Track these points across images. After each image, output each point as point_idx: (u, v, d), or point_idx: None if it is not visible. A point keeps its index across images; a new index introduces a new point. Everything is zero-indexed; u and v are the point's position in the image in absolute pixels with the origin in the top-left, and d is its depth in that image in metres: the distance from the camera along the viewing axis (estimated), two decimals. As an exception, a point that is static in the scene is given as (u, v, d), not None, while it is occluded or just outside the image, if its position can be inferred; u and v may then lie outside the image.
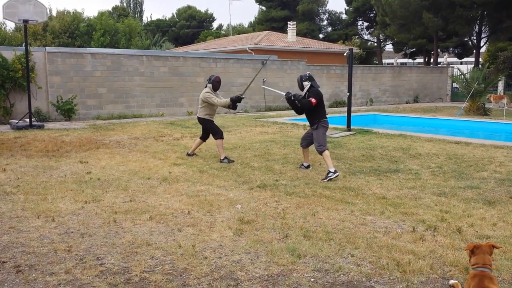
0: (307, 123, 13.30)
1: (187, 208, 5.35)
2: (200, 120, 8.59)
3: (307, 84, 7.28)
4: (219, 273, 3.64)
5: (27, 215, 5.06)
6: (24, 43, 13.66)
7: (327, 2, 50.33)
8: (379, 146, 9.87)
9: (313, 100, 7.11)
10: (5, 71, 14.06)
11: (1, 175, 7.04)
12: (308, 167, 7.72)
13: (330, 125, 13.52)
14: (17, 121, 13.31)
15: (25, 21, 12.76)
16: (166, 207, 5.38)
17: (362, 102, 24.49)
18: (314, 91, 7.23)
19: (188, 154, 8.77)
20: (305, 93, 7.28)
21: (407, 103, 25.93)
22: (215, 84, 8.35)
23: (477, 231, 4.57)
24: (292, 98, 7.30)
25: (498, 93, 26.44)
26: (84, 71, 15.96)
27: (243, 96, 8.44)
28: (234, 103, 8.22)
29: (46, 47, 17.15)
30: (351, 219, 4.96)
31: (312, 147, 7.63)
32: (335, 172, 6.84)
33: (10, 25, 35.00)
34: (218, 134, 8.44)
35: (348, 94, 12.80)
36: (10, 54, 14.36)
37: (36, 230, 4.58)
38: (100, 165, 7.84)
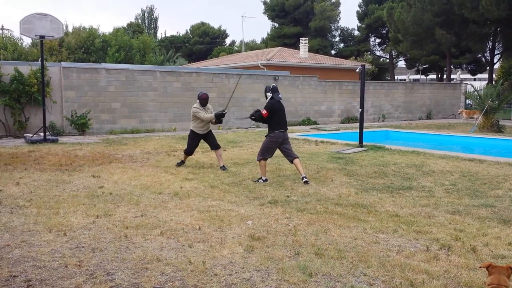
0: (319, 139, 13.45)
1: (198, 223, 5.33)
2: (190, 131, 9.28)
3: (269, 95, 7.88)
4: (229, 290, 3.61)
5: (39, 229, 5.08)
6: (40, 59, 13.89)
7: (339, 18, 50.67)
8: (391, 163, 9.79)
9: (264, 112, 7.75)
10: (21, 85, 14.30)
11: (15, 188, 7.11)
12: (305, 178, 7.71)
13: (342, 141, 13.47)
14: (31, 135, 13.47)
15: (42, 37, 13.00)
16: (177, 223, 5.37)
17: (374, 118, 24.40)
18: (268, 103, 7.82)
19: (221, 168, 9.03)
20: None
21: (420, 119, 25.79)
22: (202, 100, 9.02)
23: (492, 251, 4.49)
24: (250, 116, 8.19)
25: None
26: (99, 86, 16.17)
27: (226, 111, 9.13)
28: (218, 118, 8.93)
29: (62, 62, 17.45)
30: (363, 237, 4.90)
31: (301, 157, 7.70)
32: (265, 180, 7.71)
33: (26, 41, 35.70)
34: (187, 149, 9.27)
35: (360, 110, 12.76)
36: (26, 69, 14.62)
37: (48, 244, 4.59)
38: (112, 180, 7.88)
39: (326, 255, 4.33)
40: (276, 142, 7.90)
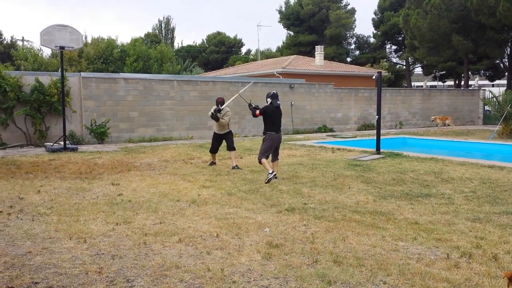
0: (336, 146, 13.56)
1: (216, 231, 5.35)
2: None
3: (269, 101, 8.81)
4: (248, 297, 3.61)
5: (60, 236, 5.16)
6: (60, 69, 14.15)
7: (355, 26, 50.40)
8: (410, 170, 9.70)
9: (257, 112, 8.77)
10: (42, 95, 14.57)
11: (36, 196, 7.23)
12: (272, 174, 8.35)
13: (359, 148, 13.44)
14: (52, 144, 13.69)
15: (62, 48, 13.24)
16: (195, 230, 5.40)
17: (391, 125, 24.23)
18: (264, 106, 8.78)
19: (233, 167, 10.04)
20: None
21: (437, 126, 25.49)
22: (217, 103, 10.21)
23: (514, 259, 4.41)
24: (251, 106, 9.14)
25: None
26: (117, 95, 16.40)
27: (221, 108, 10.14)
28: (214, 113, 10.07)
29: (81, 73, 17.74)
30: (382, 244, 4.86)
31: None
32: (272, 172, 8.27)
33: (46, 51, 36.38)
34: (211, 148, 10.59)
35: (377, 117, 12.68)
36: (46, 79, 14.90)
37: (68, 251, 4.66)
38: (131, 187, 7.96)
39: (345, 263, 4.30)
40: (273, 142, 8.73)
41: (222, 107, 10.13)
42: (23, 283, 3.87)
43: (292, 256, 4.50)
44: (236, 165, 10.05)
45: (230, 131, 10.55)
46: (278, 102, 8.79)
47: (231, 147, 10.34)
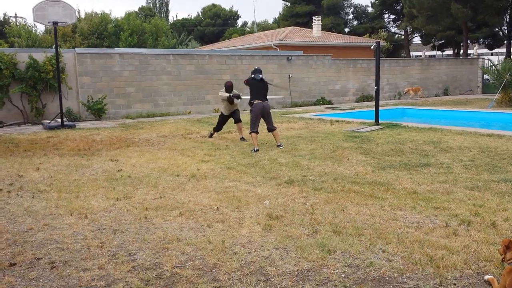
0: (334, 118, 13.66)
1: (216, 204, 5.38)
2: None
3: (252, 76, 9.42)
4: (249, 268, 3.65)
5: (61, 213, 5.18)
6: (54, 45, 13.97)
7: (353, -5, 49.75)
8: (408, 140, 9.70)
9: (244, 81, 9.66)
10: (37, 72, 14.43)
11: (35, 174, 7.23)
12: (280, 147, 9.21)
13: (357, 120, 13.47)
14: (49, 121, 13.63)
15: (55, 23, 13.04)
16: (195, 203, 5.43)
17: (390, 96, 24.12)
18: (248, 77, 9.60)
19: (241, 139, 10.48)
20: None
21: (436, 96, 25.43)
22: (227, 88, 10.53)
23: (512, 226, 4.45)
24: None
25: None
26: (113, 71, 16.23)
27: (237, 96, 10.44)
28: (230, 98, 10.41)
29: (76, 48, 17.53)
30: (381, 214, 4.90)
31: (265, 130, 9.62)
32: (256, 150, 8.83)
33: (40, 28, 35.85)
34: (216, 126, 10.89)
35: (375, 88, 12.61)
36: (41, 56, 14.72)
37: (70, 227, 4.68)
38: (130, 163, 7.97)
39: (344, 233, 4.34)
40: (258, 112, 9.18)
41: (237, 95, 10.42)
42: (25, 259, 3.91)
43: (292, 227, 4.53)
44: (242, 137, 10.46)
45: (237, 109, 10.88)
46: (261, 76, 9.39)
47: (238, 120, 10.63)
